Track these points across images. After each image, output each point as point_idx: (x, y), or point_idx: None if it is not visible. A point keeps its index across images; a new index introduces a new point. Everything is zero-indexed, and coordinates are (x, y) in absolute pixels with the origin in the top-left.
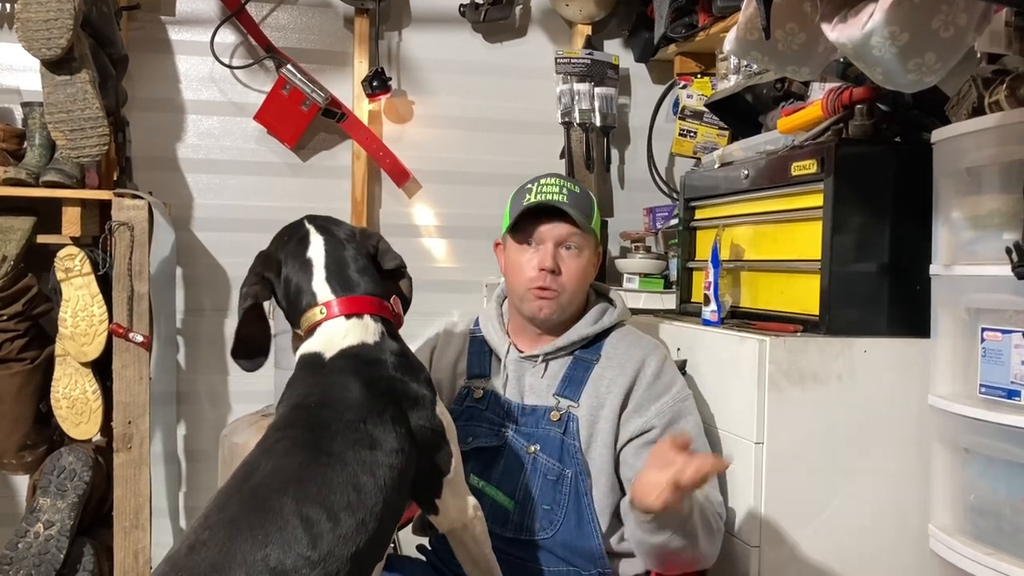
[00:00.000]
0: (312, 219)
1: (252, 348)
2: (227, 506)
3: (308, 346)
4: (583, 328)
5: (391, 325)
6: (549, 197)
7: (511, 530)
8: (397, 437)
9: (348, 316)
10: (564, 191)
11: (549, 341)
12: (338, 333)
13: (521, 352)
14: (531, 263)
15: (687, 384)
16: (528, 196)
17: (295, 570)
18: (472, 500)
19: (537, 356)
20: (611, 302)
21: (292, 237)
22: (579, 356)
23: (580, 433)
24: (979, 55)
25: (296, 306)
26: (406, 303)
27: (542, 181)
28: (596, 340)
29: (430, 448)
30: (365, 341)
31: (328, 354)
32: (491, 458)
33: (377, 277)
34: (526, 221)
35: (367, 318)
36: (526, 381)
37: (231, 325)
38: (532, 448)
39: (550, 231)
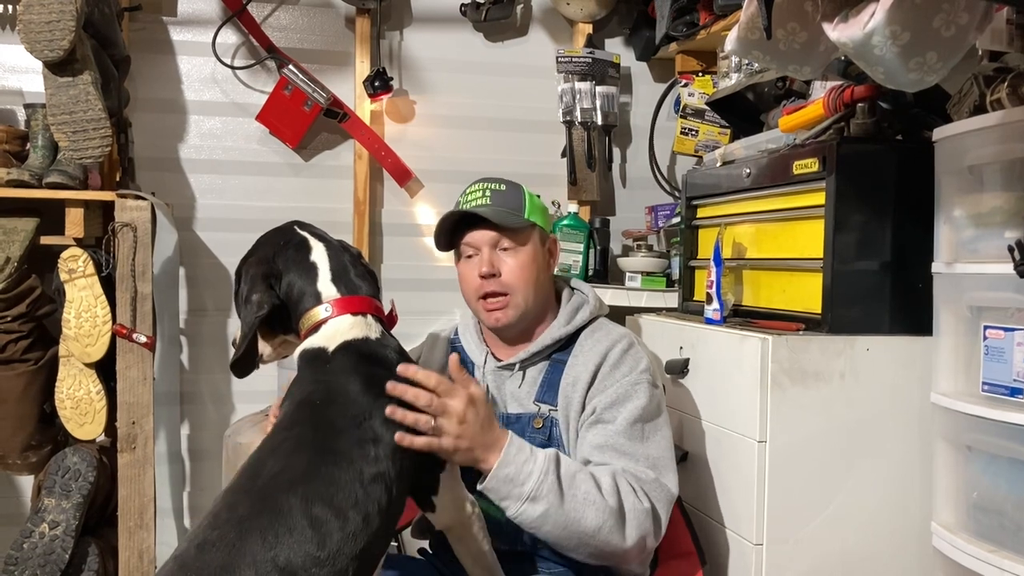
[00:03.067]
0: (302, 226)
1: (253, 358)
2: (236, 505)
3: (311, 342)
4: (556, 330)
5: (386, 326)
6: (472, 205)
7: (505, 542)
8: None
9: (354, 314)
10: (487, 193)
11: (524, 348)
12: (342, 328)
13: (499, 361)
14: (472, 273)
15: (648, 370)
16: (456, 209)
17: (304, 569)
18: (469, 496)
19: (514, 364)
20: (584, 297)
21: (289, 243)
22: (555, 358)
23: (562, 436)
24: (980, 53)
25: (297, 308)
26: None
27: (468, 191)
28: (571, 339)
29: None
30: (368, 336)
31: (331, 347)
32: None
33: (373, 282)
34: (458, 235)
35: (369, 317)
36: (507, 390)
37: (234, 325)
38: None
39: (480, 237)
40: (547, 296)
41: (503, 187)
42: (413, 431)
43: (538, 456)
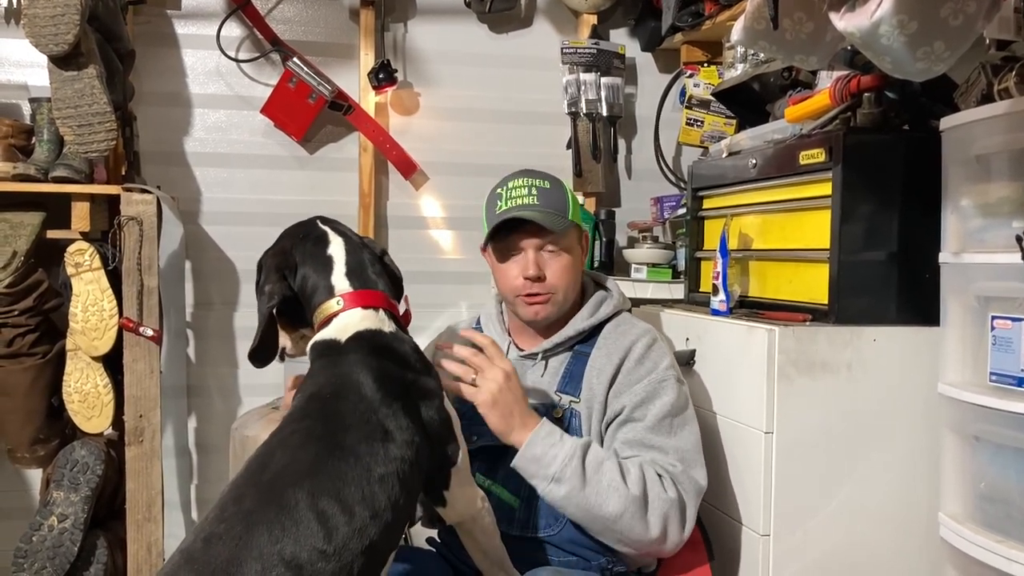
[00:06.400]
0: (325, 221)
1: (270, 349)
2: (243, 498)
3: (323, 334)
4: (579, 322)
5: (400, 323)
6: (519, 202)
7: (517, 527)
8: (409, 429)
9: (365, 307)
10: (534, 192)
11: (549, 337)
12: (353, 320)
13: (521, 351)
14: (514, 271)
15: (672, 366)
16: (499, 203)
17: (310, 563)
18: (479, 492)
19: (537, 354)
20: (608, 292)
21: (308, 236)
22: (578, 350)
23: (582, 428)
24: (988, 42)
25: (311, 301)
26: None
27: (510, 184)
28: (594, 332)
29: (440, 440)
30: (381, 329)
31: (343, 338)
32: (496, 456)
33: (389, 281)
34: (502, 231)
35: (381, 311)
36: (528, 379)
37: (240, 318)
38: None
39: (528, 240)
40: (579, 291)
41: (548, 184)
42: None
43: (566, 442)
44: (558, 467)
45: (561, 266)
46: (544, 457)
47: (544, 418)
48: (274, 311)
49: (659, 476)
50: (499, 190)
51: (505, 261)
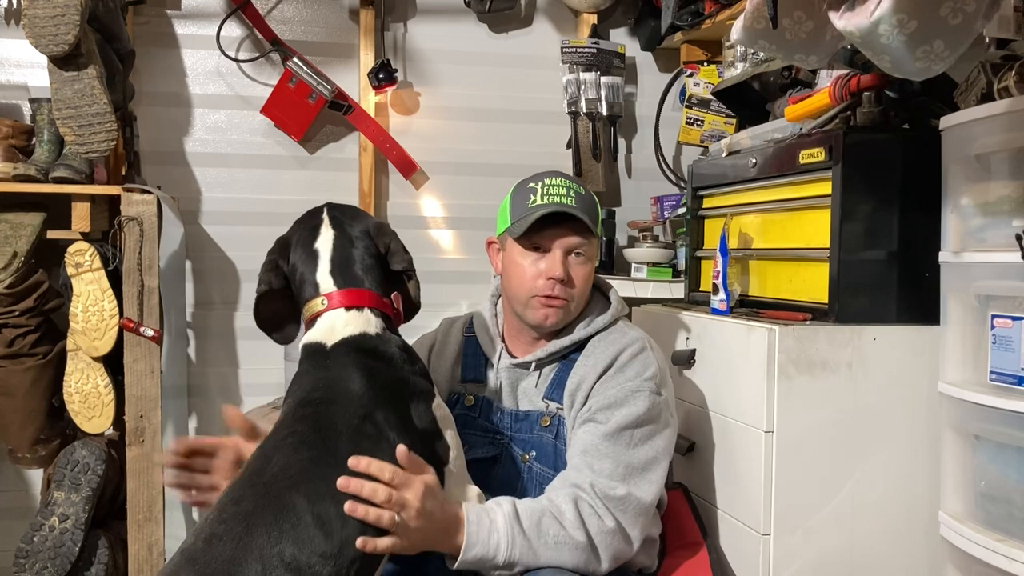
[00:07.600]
0: (331, 208)
1: (278, 321)
2: (242, 500)
3: (310, 336)
4: (577, 332)
5: (391, 321)
6: (558, 200)
7: None
8: (399, 431)
9: (348, 308)
10: (572, 194)
11: (543, 345)
12: (339, 323)
13: (514, 358)
14: (536, 270)
15: (654, 377)
16: (534, 197)
17: (308, 565)
18: (475, 489)
19: (530, 363)
20: (608, 300)
21: (306, 225)
22: (570, 358)
23: (569, 435)
24: (988, 41)
25: (300, 295)
26: (413, 306)
27: (547, 181)
28: (588, 340)
29: (428, 440)
30: (367, 332)
31: (330, 343)
32: (488, 468)
33: (381, 277)
34: (533, 225)
35: (367, 311)
36: (520, 387)
37: (241, 319)
38: (527, 456)
39: (562, 240)
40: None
41: (583, 190)
42: (373, 529)
43: (498, 521)
44: (504, 554)
45: (585, 273)
46: (487, 553)
47: (464, 505)
48: (286, 289)
49: (592, 507)
50: (532, 184)
51: (527, 258)
